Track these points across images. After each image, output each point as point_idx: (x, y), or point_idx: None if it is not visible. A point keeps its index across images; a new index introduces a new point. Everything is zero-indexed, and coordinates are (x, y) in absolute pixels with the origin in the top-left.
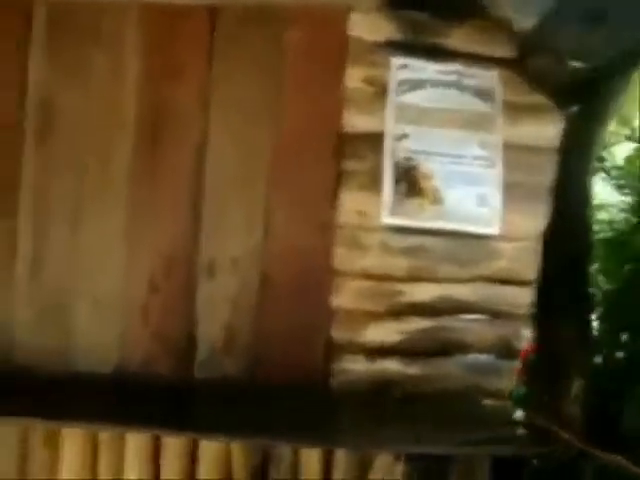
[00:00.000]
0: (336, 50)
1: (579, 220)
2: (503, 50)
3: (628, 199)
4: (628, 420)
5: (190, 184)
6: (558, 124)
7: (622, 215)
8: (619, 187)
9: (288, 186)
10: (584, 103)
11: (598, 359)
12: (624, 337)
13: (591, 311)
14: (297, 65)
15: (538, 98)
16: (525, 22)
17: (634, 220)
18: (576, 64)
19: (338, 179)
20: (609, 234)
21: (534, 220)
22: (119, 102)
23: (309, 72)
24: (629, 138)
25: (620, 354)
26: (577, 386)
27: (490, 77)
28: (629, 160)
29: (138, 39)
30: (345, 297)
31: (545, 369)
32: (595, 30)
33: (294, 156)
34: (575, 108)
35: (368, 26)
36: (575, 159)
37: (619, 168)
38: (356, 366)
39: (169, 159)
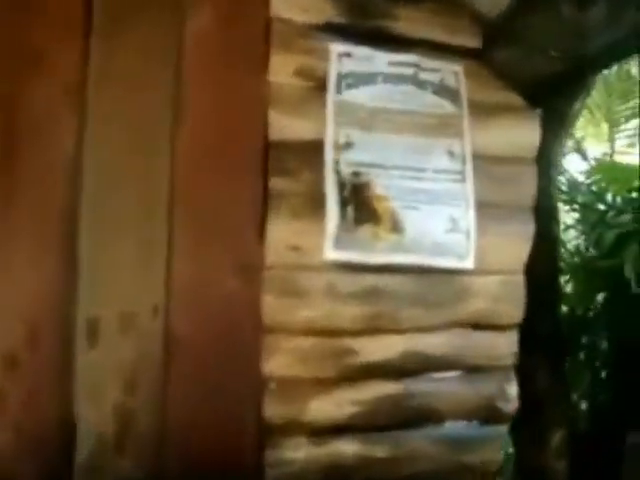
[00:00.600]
0: (256, 35)
1: (550, 241)
2: (468, 39)
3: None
4: None
5: (60, 215)
6: (537, 128)
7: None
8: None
9: (197, 213)
10: (550, 103)
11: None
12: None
13: (566, 353)
14: (203, 55)
15: (512, 97)
16: (491, 6)
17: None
18: (547, 56)
19: (264, 203)
20: (575, 259)
21: (517, 246)
22: None
23: (219, 64)
24: (576, 150)
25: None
26: (558, 437)
27: (454, 71)
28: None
29: None
30: (280, 361)
31: (524, 421)
32: (573, 17)
33: (204, 173)
34: (540, 109)
35: (298, 5)
36: (542, 168)
37: (575, 183)
38: (298, 453)
39: (28, 180)
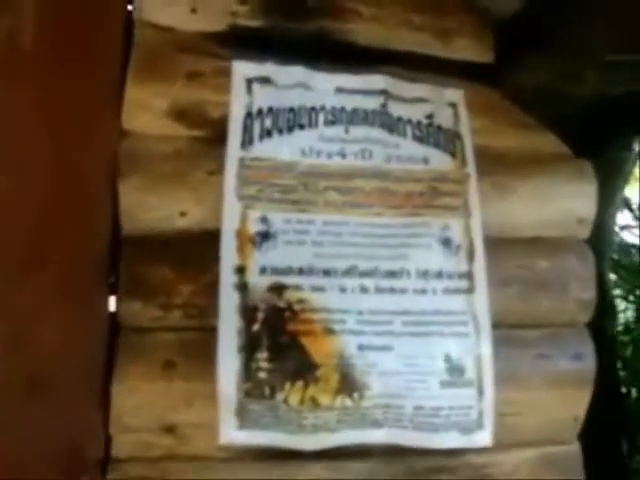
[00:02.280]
0: (102, 50)
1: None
2: (471, 50)
3: None
4: None
5: None
6: (593, 189)
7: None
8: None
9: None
10: (605, 148)
11: None
12: None
13: None
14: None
15: (548, 139)
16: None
17: None
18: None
19: (112, 332)
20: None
21: (568, 397)
22: None
23: (30, 100)
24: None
25: None
26: None
27: (450, 102)
28: None
29: None
30: None
31: None
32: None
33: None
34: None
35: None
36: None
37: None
38: None
39: None
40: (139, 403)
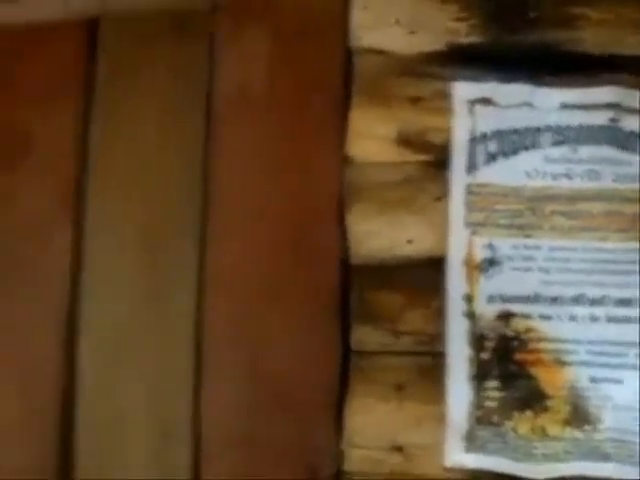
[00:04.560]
0: (325, 79)
1: None
2: None
3: None
4: None
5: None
6: None
7: None
8: None
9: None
10: None
11: None
12: None
13: None
14: (237, 118)
15: None
16: None
17: None
18: None
19: (344, 356)
20: None
21: None
22: None
23: (262, 134)
24: None
25: None
26: None
27: None
28: None
29: None
30: None
31: None
32: None
33: (248, 308)
34: None
35: (396, 23)
36: None
37: None
38: None
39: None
40: (370, 422)
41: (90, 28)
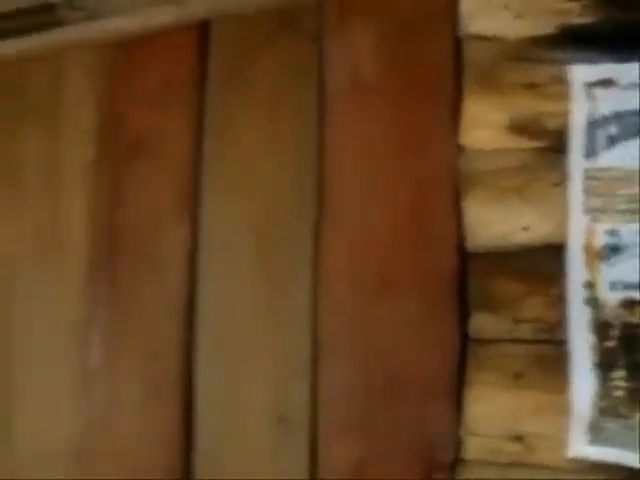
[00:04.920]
0: (435, 68)
1: None
2: None
3: None
4: None
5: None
6: None
7: None
8: None
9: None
10: None
11: None
12: None
13: None
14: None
15: None
16: None
17: None
18: None
19: (462, 343)
20: None
21: None
22: None
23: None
24: None
25: None
26: None
27: None
28: None
29: None
30: None
31: None
32: None
33: (362, 307)
34: None
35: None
36: None
37: None
38: None
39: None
40: (489, 410)
41: (202, 31)
